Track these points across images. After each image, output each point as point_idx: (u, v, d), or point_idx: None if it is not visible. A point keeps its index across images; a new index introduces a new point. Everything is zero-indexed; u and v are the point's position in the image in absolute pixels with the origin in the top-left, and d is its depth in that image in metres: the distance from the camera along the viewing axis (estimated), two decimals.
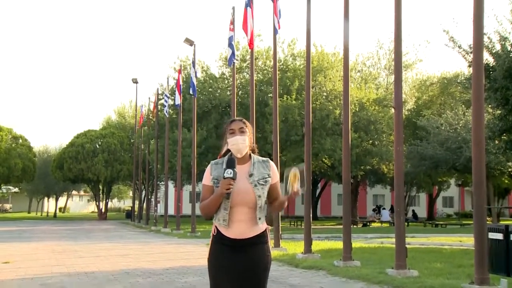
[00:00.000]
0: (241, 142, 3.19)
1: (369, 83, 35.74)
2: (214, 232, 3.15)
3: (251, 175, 3.15)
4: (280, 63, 31.32)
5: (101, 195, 48.97)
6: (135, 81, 36.89)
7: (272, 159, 3.14)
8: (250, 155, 3.26)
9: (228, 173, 3.05)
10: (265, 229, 3.17)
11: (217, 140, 30.15)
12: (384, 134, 30.84)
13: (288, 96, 28.89)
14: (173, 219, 28.67)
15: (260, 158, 3.26)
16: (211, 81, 32.41)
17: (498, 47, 15.30)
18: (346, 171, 10.29)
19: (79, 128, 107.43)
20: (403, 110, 30.78)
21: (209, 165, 3.24)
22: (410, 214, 37.60)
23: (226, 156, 3.21)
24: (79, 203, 78.99)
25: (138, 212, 37.77)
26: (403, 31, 9.09)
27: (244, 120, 3.31)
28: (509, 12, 15.59)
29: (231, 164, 3.10)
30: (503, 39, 15.23)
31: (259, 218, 3.14)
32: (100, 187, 48.31)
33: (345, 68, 10.78)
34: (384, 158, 30.41)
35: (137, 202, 40.70)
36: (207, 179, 3.20)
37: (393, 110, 10.00)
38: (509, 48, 15.11)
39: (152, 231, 25.48)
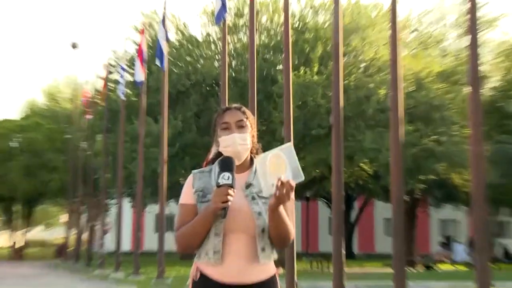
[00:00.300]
0: (240, 142, 3.29)
1: (431, 48, 35.52)
2: (196, 276, 3.20)
3: (248, 186, 3.25)
4: (295, 20, 31.22)
5: (17, 221, 48.78)
6: (74, 46, 36.87)
7: None
8: (251, 159, 3.36)
9: (225, 178, 3.10)
10: (275, 273, 3.25)
11: (199, 135, 30.13)
12: (454, 125, 30.70)
13: (307, 69, 28.76)
14: (129, 258, 28.63)
15: None
16: (190, 46, 32.29)
17: None
18: (397, 183, 10.65)
19: None
20: (484, 89, 30.85)
21: (191, 175, 3.33)
22: (500, 251, 37.52)
23: (217, 161, 3.26)
24: None
25: (75, 247, 37.56)
26: None
27: (245, 108, 3.41)
28: None
29: (227, 165, 3.16)
30: None
31: (263, 249, 3.20)
32: (17, 208, 48.09)
33: (393, 27, 11.05)
34: (456, 162, 30.27)
35: (73, 232, 40.38)
36: (187, 195, 3.27)
37: (468, 88, 10.01)
38: None
39: (96, 277, 25.51)
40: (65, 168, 42.14)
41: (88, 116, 36.64)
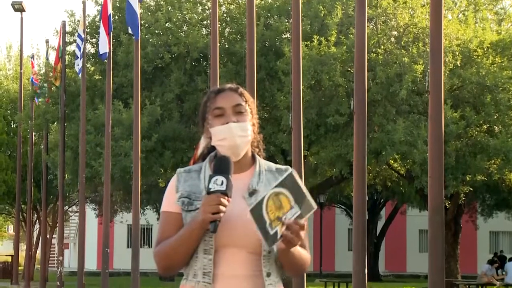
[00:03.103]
0: (239, 133, 3.36)
1: (483, 11, 35.66)
2: None
3: (252, 193, 3.34)
4: None
5: None
6: (19, 9, 36.88)
7: (290, 164, 3.26)
8: (253, 156, 3.49)
9: (218, 183, 3.19)
10: None
11: (182, 124, 30.05)
12: None
13: (322, 38, 28.56)
14: (95, 280, 28.66)
15: (272, 164, 3.49)
16: (170, 8, 32.13)
17: None
18: (437, 185, 10.95)
19: None
20: None
21: (175, 176, 3.40)
22: None
23: (208, 158, 3.38)
24: None
25: (25, 266, 38.07)
26: None
27: (243, 89, 3.49)
28: None
29: (222, 167, 3.24)
30: None
31: (268, 275, 3.34)
32: None
33: None
34: None
35: (23, 247, 41.40)
36: (170, 201, 3.38)
37: None
38: None
39: None
40: (11, 167, 41.80)
41: (39, 100, 36.51)
